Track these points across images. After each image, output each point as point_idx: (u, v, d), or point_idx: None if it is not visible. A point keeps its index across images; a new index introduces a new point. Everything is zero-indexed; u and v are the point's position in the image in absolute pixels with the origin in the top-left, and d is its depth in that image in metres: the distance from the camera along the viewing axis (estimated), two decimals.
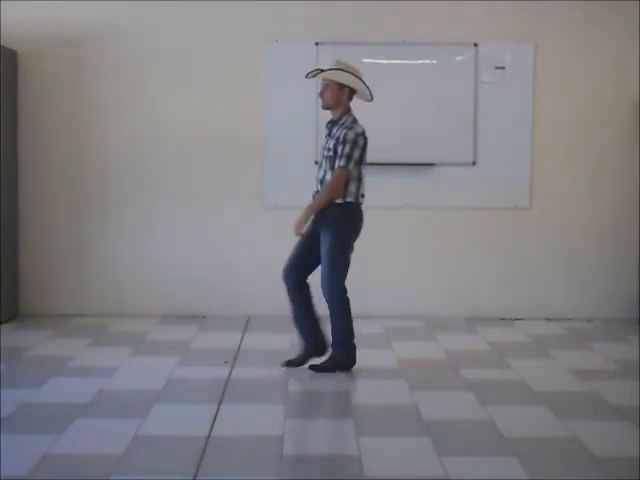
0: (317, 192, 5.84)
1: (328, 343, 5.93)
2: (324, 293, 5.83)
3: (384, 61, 7.65)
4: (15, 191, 7.61)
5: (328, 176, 5.76)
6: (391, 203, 7.70)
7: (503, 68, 7.63)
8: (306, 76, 5.84)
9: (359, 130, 5.77)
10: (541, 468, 4.21)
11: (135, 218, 7.74)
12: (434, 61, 7.67)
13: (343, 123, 5.79)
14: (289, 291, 5.91)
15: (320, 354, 5.93)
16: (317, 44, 7.54)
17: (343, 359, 5.88)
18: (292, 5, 7.59)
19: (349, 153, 5.69)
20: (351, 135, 5.72)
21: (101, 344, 6.74)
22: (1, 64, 7.21)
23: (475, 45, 7.60)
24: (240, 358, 6.28)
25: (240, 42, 7.62)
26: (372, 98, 5.90)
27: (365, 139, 5.79)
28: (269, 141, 7.63)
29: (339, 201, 5.75)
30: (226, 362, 6.09)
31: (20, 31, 7.51)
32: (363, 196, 5.86)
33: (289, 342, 6.64)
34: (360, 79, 5.81)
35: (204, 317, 7.69)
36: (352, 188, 5.75)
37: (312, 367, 5.89)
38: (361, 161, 5.79)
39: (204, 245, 7.73)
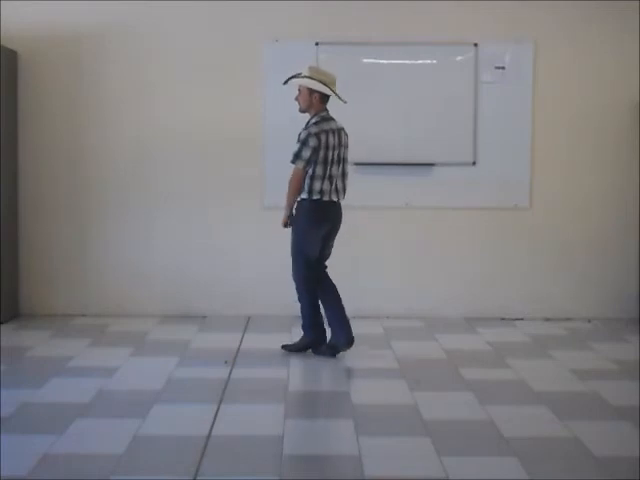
0: None
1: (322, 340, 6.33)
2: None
3: (384, 61, 7.65)
4: (15, 191, 7.61)
5: None
6: (391, 203, 7.70)
7: (503, 68, 7.63)
8: (283, 83, 6.19)
9: (312, 130, 6.03)
10: (541, 468, 4.21)
11: (135, 218, 7.73)
12: (434, 61, 7.66)
13: (307, 124, 6.12)
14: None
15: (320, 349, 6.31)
16: (317, 44, 7.54)
17: (311, 339, 6.30)
18: (292, 5, 7.59)
19: (297, 152, 6.06)
20: (302, 135, 6.07)
21: (101, 344, 6.74)
22: (1, 64, 7.21)
23: (475, 45, 7.60)
24: (240, 358, 6.28)
25: (240, 42, 7.62)
26: (345, 101, 6.16)
27: (318, 139, 6.02)
28: (269, 141, 7.63)
29: (304, 196, 6.10)
30: (226, 362, 6.09)
31: (20, 31, 7.51)
32: (331, 194, 6.12)
33: (289, 342, 6.64)
34: (327, 86, 6.05)
35: (204, 317, 7.69)
36: (315, 186, 6.06)
37: (284, 347, 6.36)
38: (324, 160, 6.04)
39: (204, 245, 7.73)
